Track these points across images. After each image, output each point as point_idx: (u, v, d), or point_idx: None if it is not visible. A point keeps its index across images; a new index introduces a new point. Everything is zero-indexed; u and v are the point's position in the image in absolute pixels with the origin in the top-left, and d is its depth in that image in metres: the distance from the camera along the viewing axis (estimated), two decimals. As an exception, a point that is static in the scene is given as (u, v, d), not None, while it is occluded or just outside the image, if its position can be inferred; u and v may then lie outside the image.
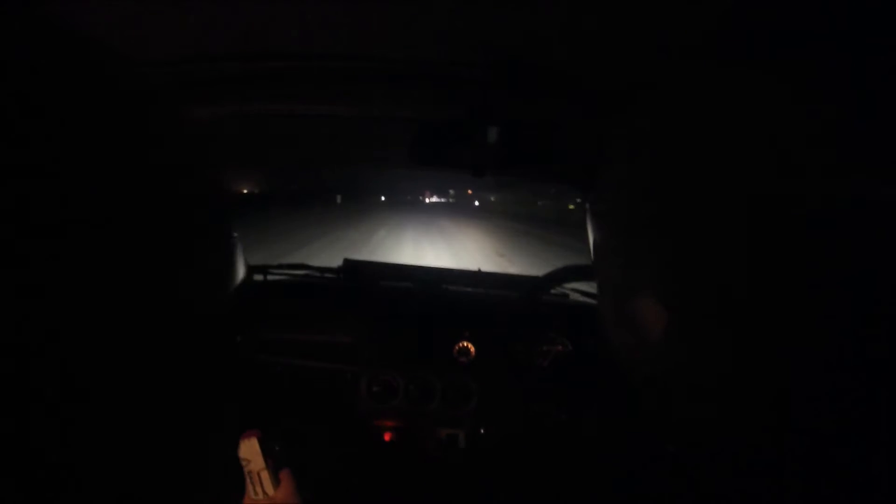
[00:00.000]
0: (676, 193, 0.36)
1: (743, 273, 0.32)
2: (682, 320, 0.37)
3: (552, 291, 1.33)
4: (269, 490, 0.76)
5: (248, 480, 0.77)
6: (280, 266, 1.35)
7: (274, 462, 0.78)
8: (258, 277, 1.32)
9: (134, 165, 0.25)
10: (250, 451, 0.77)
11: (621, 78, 0.70)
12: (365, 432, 1.19)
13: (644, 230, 0.39)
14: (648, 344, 0.39)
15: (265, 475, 0.77)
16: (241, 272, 0.35)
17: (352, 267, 1.40)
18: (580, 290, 1.34)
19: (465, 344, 1.20)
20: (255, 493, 0.76)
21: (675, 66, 0.57)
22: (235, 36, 0.64)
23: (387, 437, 1.19)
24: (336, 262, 1.44)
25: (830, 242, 0.30)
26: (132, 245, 0.25)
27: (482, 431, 1.19)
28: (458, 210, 42.00)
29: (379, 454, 1.19)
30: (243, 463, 0.78)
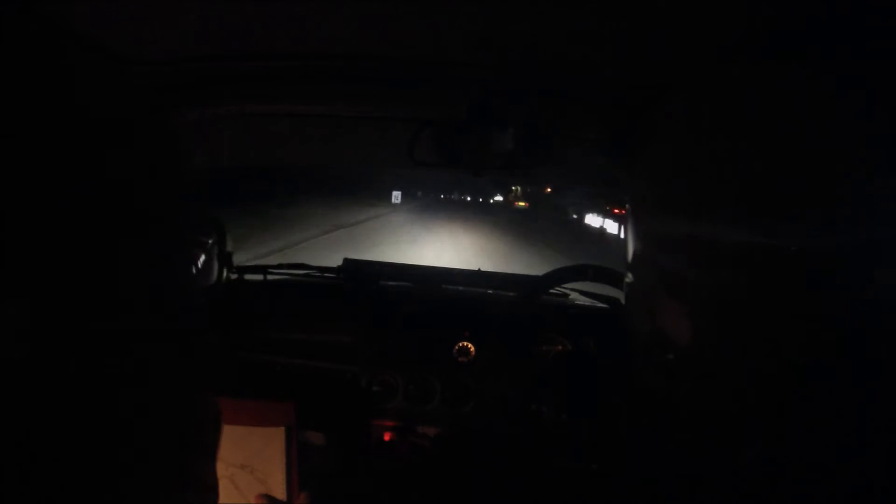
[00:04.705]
0: (707, 195, 0.36)
1: (771, 273, 0.32)
2: (706, 318, 0.37)
3: (552, 291, 1.33)
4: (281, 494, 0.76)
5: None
6: (280, 266, 1.34)
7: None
8: (257, 277, 1.32)
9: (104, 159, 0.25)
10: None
11: (623, 80, 0.69)
12: (365, 432, 1.19)
13: (676, 231, 0.39)
14: (671, 339, 0.39)
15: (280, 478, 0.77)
16: (215, 273, 0.36)
17: (352, 267, 1.40)
18: (580, 290, 1.33)
19: (465, 344, 1.20)
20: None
21: (693, 66, 0.57)
22: (235, 36, 0.64)
23: (387, 437, 1.19)
24: (337, 261, 1.44)
25: (858, 241, 0.29)
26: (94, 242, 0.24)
27: (482, 431, 1.19)
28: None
29: (379, 454, 1.19)
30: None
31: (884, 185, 0.29)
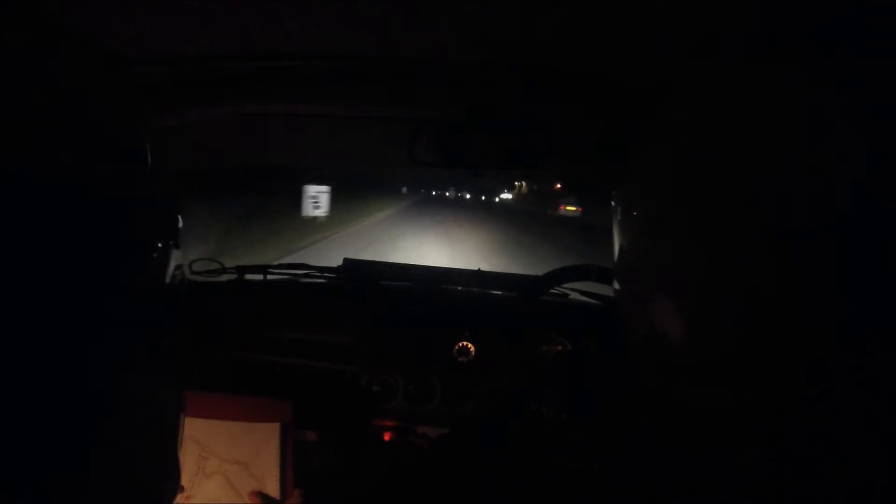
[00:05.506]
0: (703, 196, 0.36)
1: (769, 274, 0.32)
2: (701, 318, 0.37)
3: (552, 291, 1.33)
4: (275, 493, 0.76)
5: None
6: (280, 265, 1.35)
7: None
8: (257, 277, 1.32)
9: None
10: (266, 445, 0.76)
11: (623, 79, 0.69)
12: (365, 432, 1.19)
13: (670, 231, 0.39)
14: (665, 339, 0.39)
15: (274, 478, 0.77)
16: (168, 276, 0.37)
17: (351, 266, 1.40)
18: (580, 290, 1.33)
19: (465, 344, 1.20)
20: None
21: (691, 66, 0.57)
22: (235, 36, 0.64)
23: (387, 437, 1.19)
24: (336, 261, 1.45)
25: (858, 242, 0.29)
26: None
27: (482, 431, 1.19)
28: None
29: (379, 454, 1.19)
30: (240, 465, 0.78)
31: (884, 185, 0.29)
